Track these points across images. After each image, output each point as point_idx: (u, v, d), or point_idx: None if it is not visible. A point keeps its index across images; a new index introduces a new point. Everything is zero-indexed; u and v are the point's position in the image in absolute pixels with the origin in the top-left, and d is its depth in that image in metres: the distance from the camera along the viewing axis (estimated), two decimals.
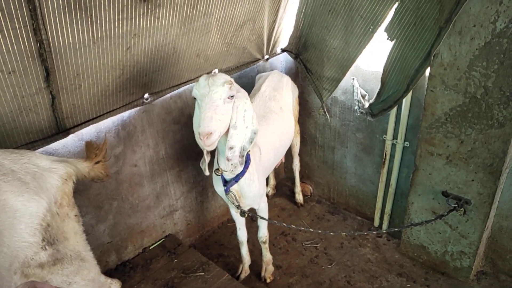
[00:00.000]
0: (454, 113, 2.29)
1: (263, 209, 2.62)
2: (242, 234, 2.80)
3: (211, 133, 1.86)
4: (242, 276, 2.91)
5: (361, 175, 3.30)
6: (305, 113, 3.48)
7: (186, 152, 2.89)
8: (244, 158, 2.13)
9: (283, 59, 3.42)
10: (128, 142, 2.52)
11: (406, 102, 2.68)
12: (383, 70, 2.54)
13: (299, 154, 3.56)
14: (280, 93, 2.83)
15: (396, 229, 2.76)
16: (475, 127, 2.24)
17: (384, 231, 2.96)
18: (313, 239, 3.29)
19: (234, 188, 2.33)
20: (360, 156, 3.22)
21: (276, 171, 3.91)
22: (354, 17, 2.52)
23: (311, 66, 3.07)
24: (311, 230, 2.44)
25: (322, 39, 2.83)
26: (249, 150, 2.24)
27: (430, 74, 2.31)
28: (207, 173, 2.19)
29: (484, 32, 2.00)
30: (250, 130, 2.09)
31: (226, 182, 2.30)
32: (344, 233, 2.48)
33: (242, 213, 2.39)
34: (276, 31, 2.99)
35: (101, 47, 1.78)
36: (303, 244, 3.24)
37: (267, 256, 2.88)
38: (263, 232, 2.76)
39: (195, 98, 1.99)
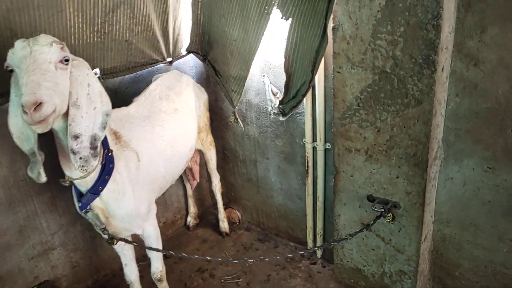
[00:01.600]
0: (365, 96, 1.89)
1: (150, 235, 2.07)
2: (130, 271, 2.22)
3: (41, 103, 1.33)
4: None
5: (287, 190, 2.81)
6: (222, 125, 3.03)
7: (60, 173, 2.32)
8: (98, 151, 1.60)
9: (193, 64, 3.01)
10: None
11: (319, 95, 2.28)
12: (285, 58, 2.16)
13: (221, 173, 3.06)
14: (176, 93, 2.38)
15: (316, 248, 2.25)
16: (390, 109, 1.83)
17: (303, 252, 2.43)
18: (235, 273, 2.71)
19: (97, 205, 1.79)
20: (283, 167, 2.75)
21: (200, 196, 3.37)
22: None
23: (219, 67, 2.65)
24: (208, 258, 1.89)
25: (223, 31, 2.44)
26: (112, 152, 1.72)
27: (334, 52, 1.93)
28: (43, 178, 1.62)
29: None
30: (100, 111, 1.59)
31: (82, 196, 1.75)
32: (252, 260, 1.92)
33: (110, 240, 1.82)
34: (174, 26, 2.58)
35: None
36: (222, 280, 2.66)
37: None
38: (156, 266, 2.18)
39: (10, 70, 1.46)
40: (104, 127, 1.61)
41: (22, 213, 2.21)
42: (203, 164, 3.06)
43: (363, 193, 2.10)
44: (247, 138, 2.89)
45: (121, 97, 2.54)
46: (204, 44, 2.71)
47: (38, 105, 1.33)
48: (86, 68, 1.59)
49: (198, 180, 3.00)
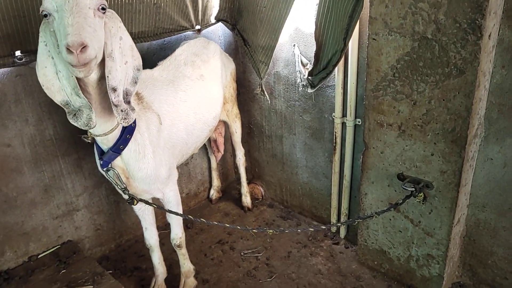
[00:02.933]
0: (402, 65, 1.76)
1: (170, 200, 2.05)
2: (150, 236, 2.21)
3: (86, 46, 1.28)
4: None
5: (313, 168, 2.72)
6: (249, 98, 2.96)
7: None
8: (132, 105, 1.57)
9: (221, 33, 2.93)
10: None
11: (352, 66, 2.15)
12: (316, 26, 2.05)
13: (246, 148, 3.01)
14: (203, 59, 2.32)
15: (337, 224, 2.18)
16: (428, 80, 1.69)
17: (325, 227, 2.34)
18: (255, 247, 2.67)
19: (118, 164, 1.77)
20: (310, 143, 2.66)
21: (224, 171, 3.34)
22: None
23: (247, 36, 2.57)
24: (238, 227, 1.86)
25: None
26: (133, 110, 1.68)
27: (370, 17, 1.80)
28: (94, 123, 1.50)
29: None
30: (131, 66, 1.55)
31: (103, 155, 1.73)
32: (272, 231, 1.87)
33: (130, 200, 1.81)
34: None
35: None
36: (242, 253, 2.63)
37: (185, 266, 2.27)
38: (176, 232, 2.17)
39: (45, 15, 1.39)
40: (135, 82, 1.57)
41: (47, 172, 2.24)
42: (228, 138, 3.02)
43: (393, 171, 1.98)
44: (274, 113, 2.80)
45: (148, 63, 2.47)
46: (233, 12, 2.62)
47: (83, 47, 1.29)
48: (119, 21, 1.54)
49: (223, 153, 2.96)
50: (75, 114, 1.52)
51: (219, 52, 2.49)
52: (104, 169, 1.76)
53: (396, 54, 1.76)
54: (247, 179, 3.08)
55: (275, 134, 2.88)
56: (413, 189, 1.86)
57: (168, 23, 2.44)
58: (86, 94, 1.53)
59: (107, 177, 1.80)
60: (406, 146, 1.88)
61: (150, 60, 2.55)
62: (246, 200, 3.08)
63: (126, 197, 1.83)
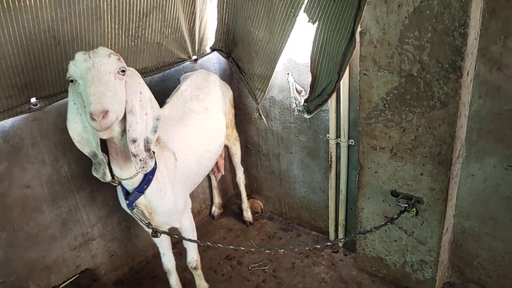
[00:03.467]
0: (391, 98, 1.98)
1: (187, 228, 2.21)
2: (168, 260, 2.37)
3: (107, 111, 1.43)
4: None
5: (310, 183, 2.93)
6: (245, 119, 3.13)
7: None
8: (151, 152, 1.73)
9: (216, 60, 3.10)
10: (15, 158, 2.08)
11: (344, 93, 2.36)
12: (311, 60, 2.23)
13: (244, 166, 3.18)
14: (205, 92, 2.48)
15: (343, 239, 2.38)
16: (415, 110, 1.92)
17: (330, 243, 2.56)
18: (261, 261, 2.86)
19: (141, 202, 1.92)
20: (306, 161, 2.86)
21: (223, 187, 3.51)
22: (273, 1, 2.23)
23: (243, 65, 2.74)
24: (252, 249, 2.03)
25: (248, 32, 2.52)
26: (154, 153, 1.84)
27: (360, 55, 2.01)
28: (108, 178, 1.73)
29: None
30: (151, 116, 1.70)
31: (128, 195, 1.88)
32: (282, 250, 2.06)
33: (154, 233, 1.97)
34: (200, 26, 2.67)
35: None
36: (250, 267, 2.81)
37: (201, 285, 2.45)
38: (192, 255, 2.34)
39: (72, 81, 1.57)
40: (155, 131, 1.73)
41: (64, 208, 2.36)
42: (227, 157, 3.19)
43: (387, 189, 2.21)
44: (271, 133, 2.99)
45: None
46: (228, 42, 2.79)
47: (105, 113, 1.44)
48: (138, 77, 1.69)
49: (223, 173, 3.13)
50: (95, 168, 1.74)
51: (219, 83, 2.65)
52: (130, 207, 1.90)
53: (386, 87, 1.97)
54: (246, 194, 3.27)
55: (272, 153, 3.07)
56: (406, 204, 2.08)
57: (169, 57, 2.60)
58: (112, 144, 1.69)
59: (132, 214, 1.95)
60: (398, 166, 2.11)
61: (153, 92, 2.68)
62: (248, 215, 3.26)
63: (149, 231, 1.98)
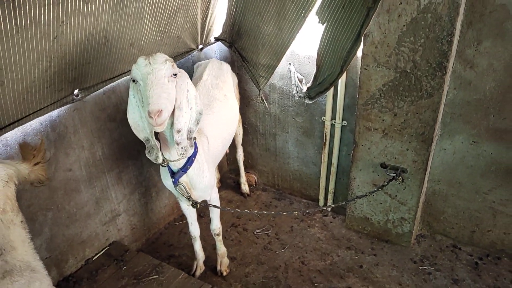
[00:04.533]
0: (387, 88, 2.44)
1: (214, 200, 2.56)
2: (195, 229, 2.71)
3: (161, 110, 1.73)
4: (198, 273, 2.82)
5: (303, 158, 3.38)
6: (244, 102, 3.47)
7: (125, 152, 2.71)
8: (192, 141, 2.04)
9: (217, 49, 3.37)
10: (60, 145, 2.29)
11: (341, 83, 2.79)
12: (317, 54, 2.61)
13: (241, 144, 3.54)
14: (222, 80, 2.78)
15: (344, 203, 2.87)
16: (406, 99, 2.40)
17: (333, 206, 3.06)
18: (263, 226, 3.30)
19: (183, 179, 2.23)
20: (301, 140, 3.30)
21: (219, 163, 3.84)
22: (285, 2, 2.55)
23: (246, 54, 3.05)
24: (265, 212, 2.44)
25: (256, 26, 2.82)
26: (195, 138, 2.16)
27: (363, 53, 2.43)
28: (160, 159, 2.02)
29: (410, 8, 2.15)
30: (195, 110, 2.00)
31: (173, 174, 2.19)
32: (296, 212, 2.51)
33: (194, 204, 2.30)
34: (209, 19, 2.92)
35: (25, 36, 1.57)
36: (255, 232, 3.24)
37: (221, 249, 2.82)
38: (216, 224, 2.70)
39: (134, 81, 1.84)
40: (197, 123, 2.03)
41: (98, 187, 2.60)
42: None
43: (377, 162, 2.71)
44: (268, 115, 3.37)
45: None
46: (232, 34, 3.07)
47: (160, 112, 1.73)
48: (186, 78, 1.97)
49: (228, 151, 3.47)
50: (149, 151, 2.03)
51: (230, 70, 2.96)
52: (175, 185, 2.21)
53: (382, 80, 2.43)
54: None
55: (269, 133, 3.46)
56: (394, 174, 2.60)
57: (183, 48, 2.85)
58: (162, 133, 1.99)
59: (174, 191, 2.26)
60: (388, 144, 2.61)
61: None
62: (245, 187, 3.66)
63: (189, 203, 2.31)
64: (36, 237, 2.26)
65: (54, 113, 2.20)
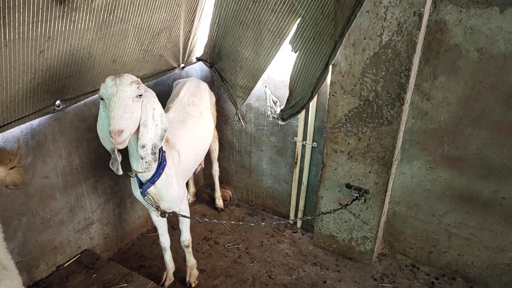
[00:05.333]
0: (352, 114, 2.63)
1: (184, 211, 2.66)
2: (165, 239, 2.80)
3: (122, 130, 1.86)
4: (167, 283, 2.89)
5: (276, 176, 3.53)
6: (222, 120, 3.62)
7: (101, 162, 2.81)
8: (156, 156, 2.15)
9: (198, 68, 3.53)
10: (38, 153, 2.38)
11: (312, 106, 2.98)
12: (290, 79, 2.79)
13: (217, 160, 3.67)
14: (199, 98, 2.93)
15: (309, 217, 3.02)
16: (369, 125, 2.59)
17: (298, 220, 3.20)
18: (234, 240, 3.41)
19: (152, 190, 2.34)
20: (274, 158, 3.45)
21: (196, 178, 3.96)
22: (262, 30, 2.74)
23: (225, 75, 3.22)
24: (233, 222, 2.56)
25: (235, 50, 3.00)
26: (165, 152, 2.28)
27: (331, 81, 2.63)
28: (120, 172, 2.14)
29: (373, 44, 2.36)
30: (160, 128, 2.12)
31: (142, 185, 2.30)
32: (263, 223, 2.64)
33: (163, 214, 2.41)
34: (192, 40, 3.09)
35: (12, 50, 1.70)
36: (226, 246, 3.34)
37: (190, 260, 2.91)
38: (186, 236, 2.80)
39: (102, 99, 1.97)
40: (162, 139, 2.14)
41: (72, 195, 2.69)
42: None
43: (343, 182, 2.88)
44: (244, 133, 3.53)
45: None
46: (213, 55, 3.25)
47: (120, 132, 1.87)
48: (153, 97, 2.09)
49: (203, 166, 3.60)
50: (112, 163, 2.18)
51: (208, 89, 3.11)
52: (143, 194, 2.32)
53: (348, 107, 2.62)
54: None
55: (244, 150, 3.61)
56: (358, 194, 2.77)
57: (164, 66, 3.00)
58: (130, 147, 2.12)
59: (143, 201, 2.36)
60: (353, 166, 2.79)
61: None
62: (220, 202, 3.77)
63: (157, 213, 2.42)
64: (9, 241, 2.32)
65: (35, 121, 2.30)
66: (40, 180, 2.44)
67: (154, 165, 2.17)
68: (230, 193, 3.94)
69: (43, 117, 2.34)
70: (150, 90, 2.12)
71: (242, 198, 3.91)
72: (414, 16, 2.16)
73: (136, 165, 2.21)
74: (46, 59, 1.93)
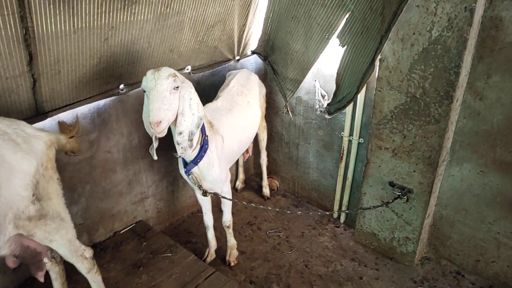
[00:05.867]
0: (398, 111, 2.59)
1: (226, 193, 2.82)
2: (208, 218, 3.00)
3: (160, 121, 2.05)
4: (208, 259, 3.10)
5: (322, 170, 3.57)
6: (272, 112, 3.73)
7: (158, 143, 3.07)
8: (193, 142, 2.31)
9: (254, 61, 3.68)
10: (103, 129, 2.69)
11: (360, 101, 2.97)
12: (337, 73, 2.81)
13: (267, 150, 3.80)
14: (248, 89, 3.07)
15: (348, 211, 3.03)
16: (415, 123, 2.53)
17: (339, 212, 3.20)
18: (276, 228, 3.52)
19: (195, 170, 2.53)
20: (321, 152, 3.49)
21: (246, 166, 4.13)
22: (312, 25, 2.80)
23: (277, 68, 3.32)
24: (269, 208, 2.66)
25: (286, 43, 3.09)
26: (207, 136, 2.44)
27: (378, 76, 2.60)
28: (155, 157, 2.34)
29: (422, 39, 2.30)
30: (197, 116, 2.27)
31: (187, 164, 2.50)
32: (299, 212, 2.71)
33: (205, 193, 2.59)
34: (246, 34, 3.24)
35: (80, 36, 1.97)
36: (267, 232, 3.47)
37: (231, 241, 3.08)
38: (227, 217, 2.97)
39: (144, 91, 2.17)
40: (198, 126, 2.30)
41: (131, 170, 2.99)
42: (255, 142, 3.80)
43: (386, 180, 2.84)
44: (293, 126, 3.60)
45: (202, 86, 3.26)
46: (267, 48, 3.37)
47: (159, 123, 2.05)
48: (190, 87, 2.24)
49: (251, 154, 3.75)
50: (151, 147, 2.37)
51: (258, 81, 3.25)
52: (187, 174, 2.53)
53: (394, 103, 2.58)
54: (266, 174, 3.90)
55: (292, 142, 3.69)
56: (400, 193, 2.72)
57: (219, 57, 3.18)
58: (172, 131, 2.29)
59: (187, 179, 2.57)
60: (397, 164, 2.74)
61: (204, 84, 3.30)
62: (266, 191, 3.91)
63: (200, 191, 2.61)
64: (74, 204, 2.67)
65: (101, 102, 2.62)
66: (103, 154, 2.76)
67: (189, 151, 2.34)
68: (278, 183, 4.05)
69: (108, 99, 2.64)
70: (187, 81, 2.29)
71: (288, 189, 4.00)
72: (465, 11, 2.07)
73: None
74: (110, 46, 2.20)
